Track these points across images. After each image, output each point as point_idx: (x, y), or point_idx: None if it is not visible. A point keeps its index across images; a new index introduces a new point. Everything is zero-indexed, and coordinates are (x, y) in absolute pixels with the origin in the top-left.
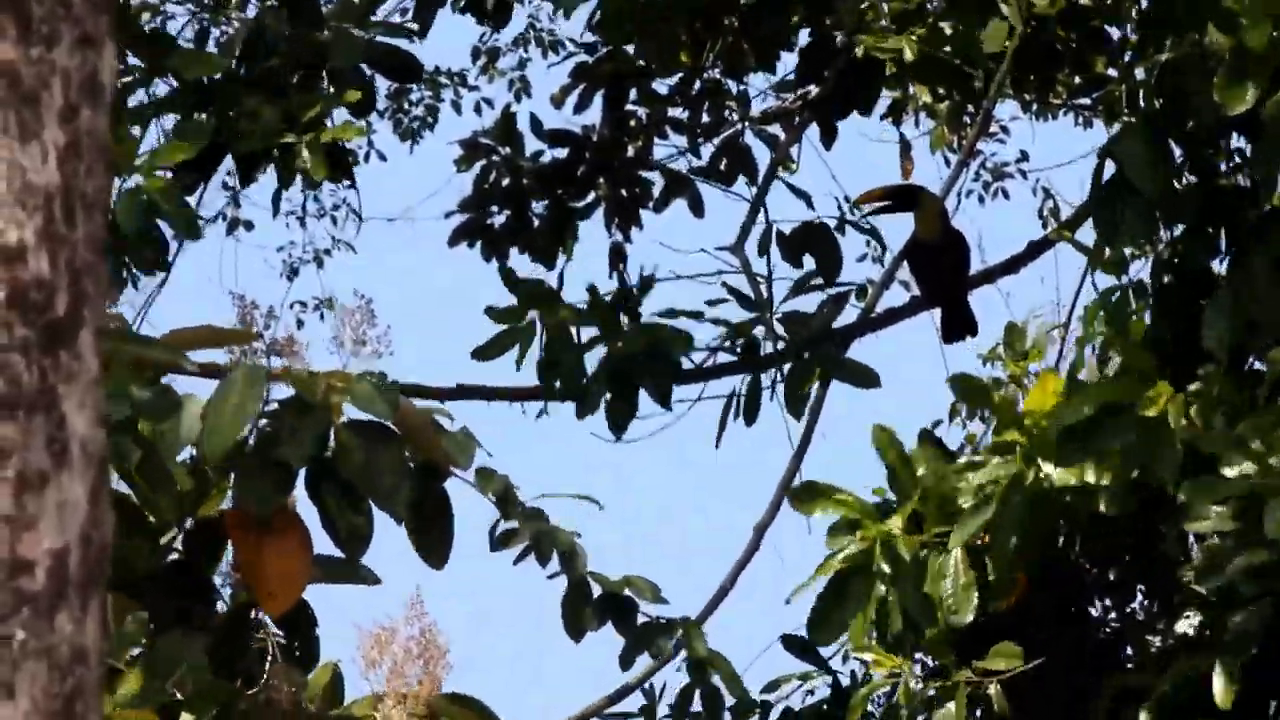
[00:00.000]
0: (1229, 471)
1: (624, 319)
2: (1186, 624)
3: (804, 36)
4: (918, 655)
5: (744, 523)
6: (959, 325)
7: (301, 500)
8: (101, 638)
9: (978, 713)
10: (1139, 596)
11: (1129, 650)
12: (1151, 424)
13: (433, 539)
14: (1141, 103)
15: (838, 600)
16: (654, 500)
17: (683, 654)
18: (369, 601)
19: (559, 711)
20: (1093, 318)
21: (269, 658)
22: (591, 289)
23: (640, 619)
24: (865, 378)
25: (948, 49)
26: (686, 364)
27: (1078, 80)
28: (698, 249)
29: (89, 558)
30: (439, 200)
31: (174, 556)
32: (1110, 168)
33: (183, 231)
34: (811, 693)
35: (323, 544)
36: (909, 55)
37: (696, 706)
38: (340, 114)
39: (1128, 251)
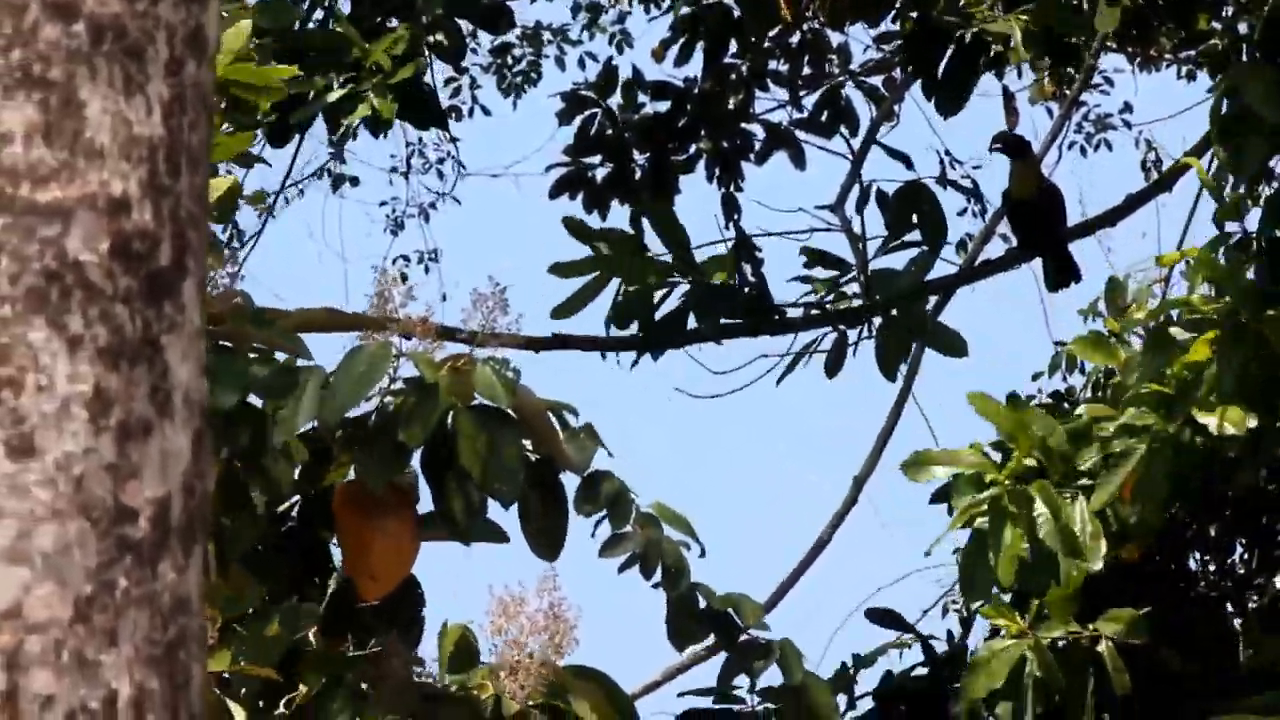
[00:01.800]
0: None
1: (747, 269)
2: None
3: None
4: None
5: (827, 483)
6: (1062, 274)
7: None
8: (203, 587)
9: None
10: (1239, 550)
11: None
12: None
13: (545, 531)
14: (1252, 52)
15: (981, 556)
16: (738, 459)
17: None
18: (509, 569)
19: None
20: (1199, 268)
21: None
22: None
23: (742, 637)
24: (952, 345)
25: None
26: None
27: (1181, 34)
28: (797, 206)
29: (191, 507)
30: (543, 155)
31: (290, 525)
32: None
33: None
34: (902, 659)
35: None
36: (1017, 38)
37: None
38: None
39: (1242, 191)
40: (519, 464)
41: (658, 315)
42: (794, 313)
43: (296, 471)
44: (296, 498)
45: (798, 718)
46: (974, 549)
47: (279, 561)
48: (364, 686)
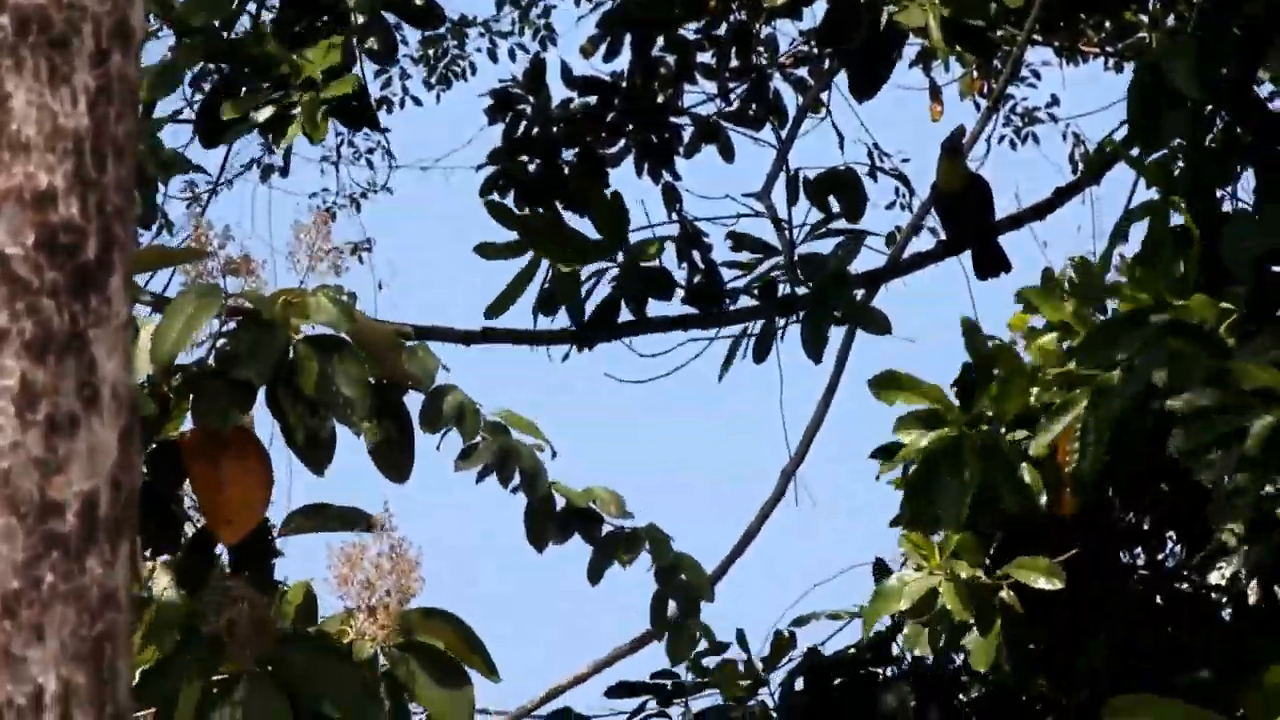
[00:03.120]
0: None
1: (697, 256)
2: (1218, 575)
3: None
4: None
5: (765, 472)
6: (992, 263)
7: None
8: (130, 581)
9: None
10: (1170, 544)
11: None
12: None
13: (393, 454)
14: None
15: (927, 492)
16: (674, 448)
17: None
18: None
19: (533, 630)
20: (1119, 232)
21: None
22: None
23: (606, 530)
24: (878, 323)
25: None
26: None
27: (1108, 26)
28: (725, 195)
29: (119, 501)
30: (474, 148)
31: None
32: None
33: (153, 169)
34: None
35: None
36: (933, 28)
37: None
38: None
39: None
40: (363, 389)
41: (588, 306)
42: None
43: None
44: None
45: (677, 595)
46: (919, 485)
47: None
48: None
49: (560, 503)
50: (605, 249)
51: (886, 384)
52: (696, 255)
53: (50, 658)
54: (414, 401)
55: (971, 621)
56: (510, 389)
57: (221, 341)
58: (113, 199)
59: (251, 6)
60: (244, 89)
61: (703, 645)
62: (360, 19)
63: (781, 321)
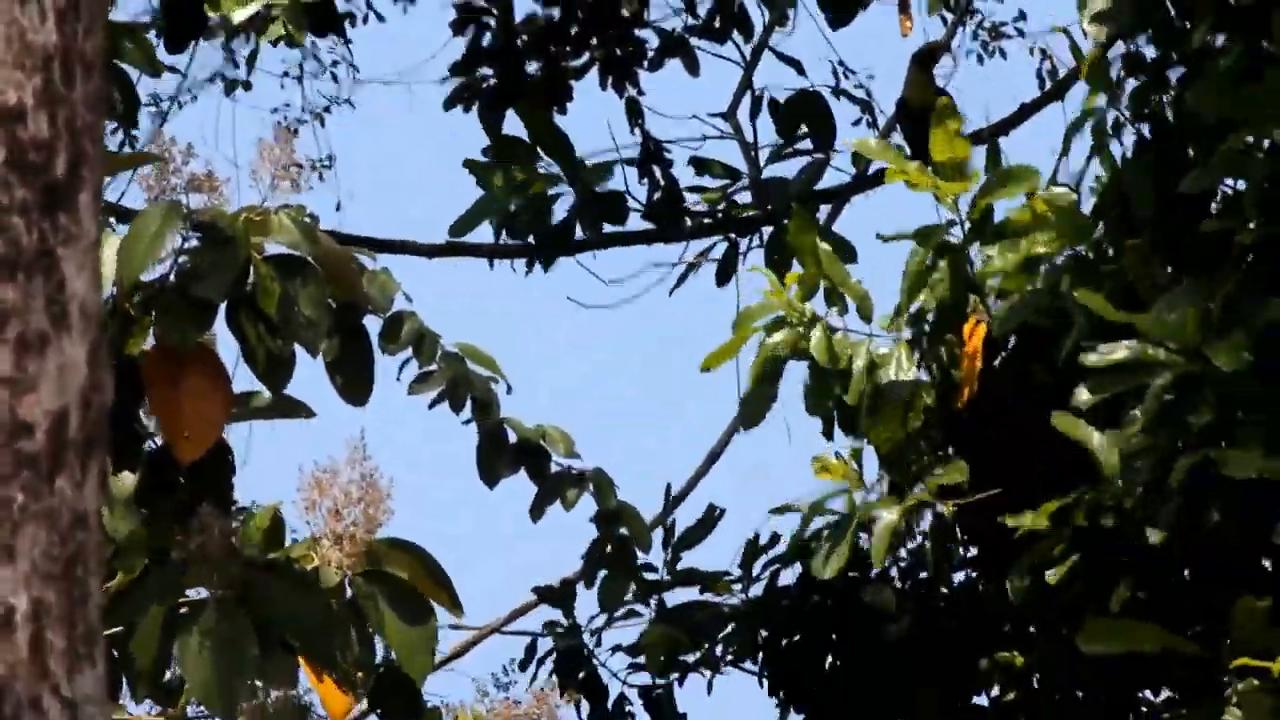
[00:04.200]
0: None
1: (657, 172)
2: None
3: None
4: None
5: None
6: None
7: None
8: (101, 502)
9: (925, 525)
10: None
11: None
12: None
13: (353, 375)
14: None
15: (768, 384)
16: (632, 371)
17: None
18: (315, 448)
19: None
20: (1068, 137)
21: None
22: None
23: (554, 469)
24: (842, 251)
25: None
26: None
27: None
28: (690, 114)
29: (89, 420)
30: (437, 63)
31: None
32: None
33: (145, 69)
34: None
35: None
36: None
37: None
38: None
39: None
40: (323, 310)
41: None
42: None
43: None
44: None
45: (616, 540)
46: (761, 380)
47: None
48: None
49: (512, 438)
50: (560, 178)
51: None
52: (657, 171)
53: (21, 577)
54: (374, 326)
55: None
56: (471, 309)
57: (183, 259)
58: (82, 115)
59: None
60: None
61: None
62: None
63: (743, 243)
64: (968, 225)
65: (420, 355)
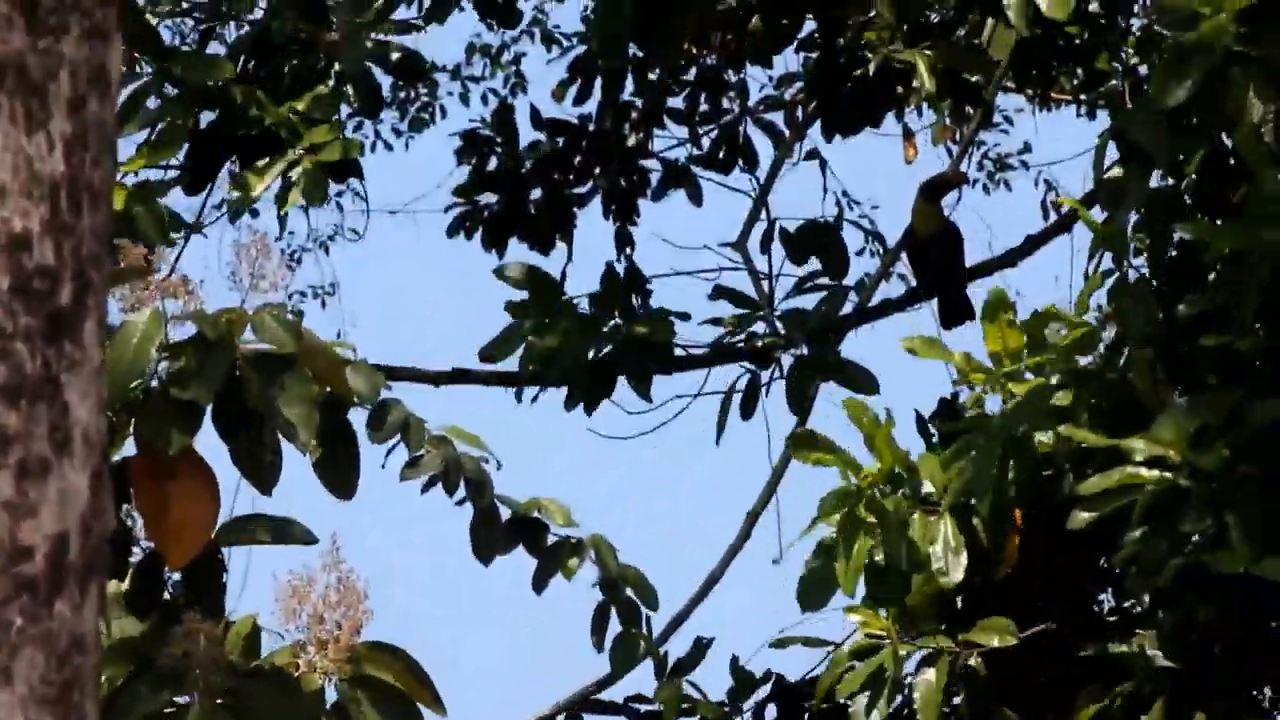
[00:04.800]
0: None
1: (636, 303)
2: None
3: (810, 35)
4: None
5: (736, 517)
6: (956, 312)
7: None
8: (99, 626)
9: (961, 687)
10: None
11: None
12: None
13: (339, 470)
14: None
15: (828, 562)
16: (652, 496)
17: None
18: (287, 553)
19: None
20: (1084, 298)
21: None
22: (608, 270)
23: (551, 540)
24: (863, 382)
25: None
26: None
27: (1080, 73)
28: (698, 242)
29: (89, 546)
30: (443, 192)
31: None
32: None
33: (155, 237)
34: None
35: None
36: (923, 71)
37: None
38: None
39: (1131, 231)
40: (309, 408)
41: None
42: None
43: None
44: None
45: (624, 604)
46: (820, 556)
47: None
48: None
49: (506, 514)
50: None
51: (802, 443)
52: (637, 303)
53: (18, 700)
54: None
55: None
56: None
57: (166, 363)
58: (88, 244)
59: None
60: (238, 149)
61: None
62: (348, 73)
63: (766, 376)
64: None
65: (408, 441)
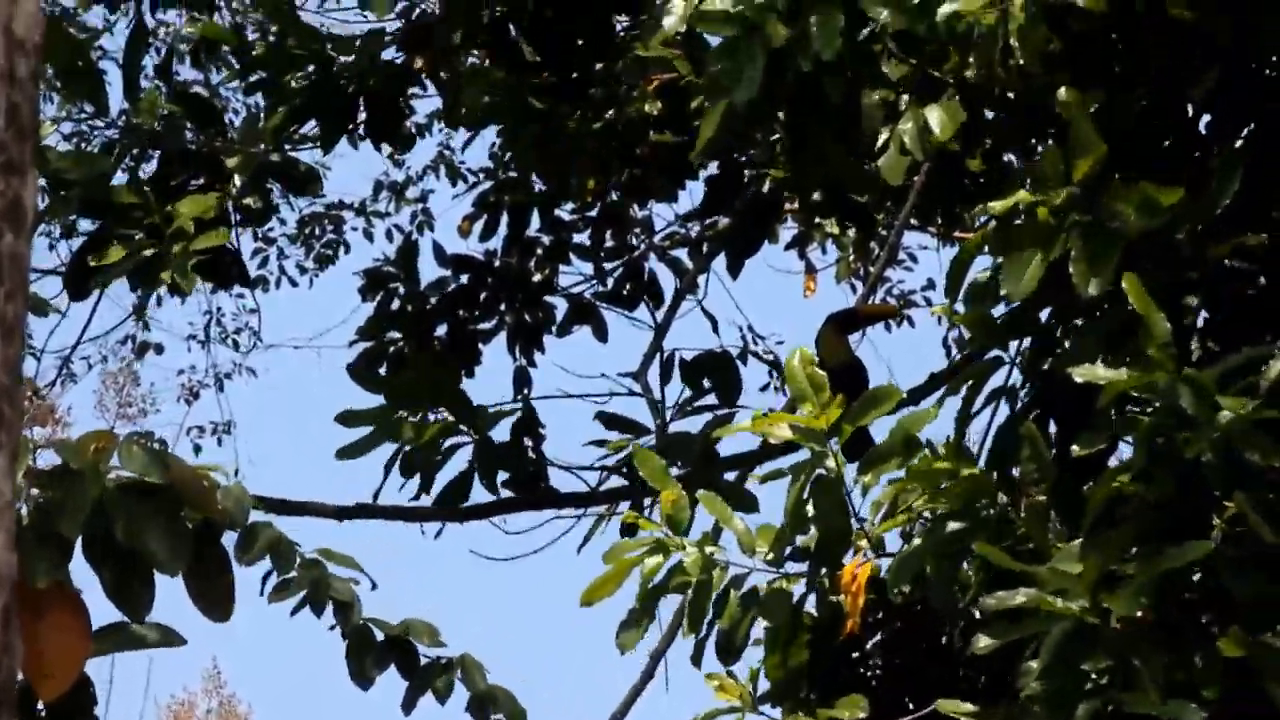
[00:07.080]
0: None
1: (528, 443)
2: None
3: (711, 168)
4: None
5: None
6: (859, 445)
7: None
8: None
9: None
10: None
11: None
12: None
13: (214, 594)
14: None
15: (647, 608)
16: (544, 627)
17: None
18: (168, 676)
19: None
20: (960, 429)
21: None
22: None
23: (422, 660)
24: (745, 505)
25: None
26: (577, 486)
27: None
28: (599, 372)
29: None
30: (347, 327)
31: None
32: None
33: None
34: None
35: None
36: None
37: None
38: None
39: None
40: (176, 536)
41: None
42: (591, 476)
43: None
44: None
45: None
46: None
47: None
48: None
49: (379, 636)
50: (457, 426)
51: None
52: (529, 445)
53: None
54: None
55: None
56: (384, 571)
57: (33, 494)
58: (2, 379)
59: (128, 160)
60: (115, 240)
61: None
62: (238, 180)
63: (649, 501)
64: (837, 452)
65: (278, 564)
